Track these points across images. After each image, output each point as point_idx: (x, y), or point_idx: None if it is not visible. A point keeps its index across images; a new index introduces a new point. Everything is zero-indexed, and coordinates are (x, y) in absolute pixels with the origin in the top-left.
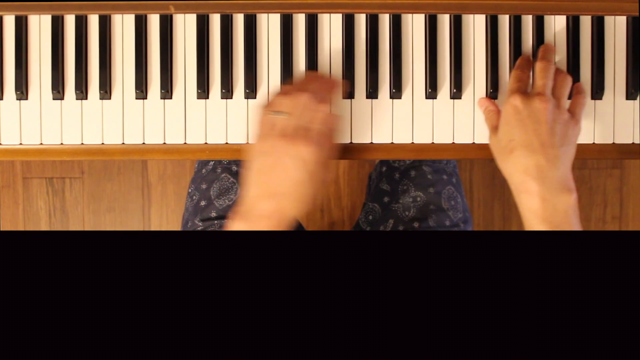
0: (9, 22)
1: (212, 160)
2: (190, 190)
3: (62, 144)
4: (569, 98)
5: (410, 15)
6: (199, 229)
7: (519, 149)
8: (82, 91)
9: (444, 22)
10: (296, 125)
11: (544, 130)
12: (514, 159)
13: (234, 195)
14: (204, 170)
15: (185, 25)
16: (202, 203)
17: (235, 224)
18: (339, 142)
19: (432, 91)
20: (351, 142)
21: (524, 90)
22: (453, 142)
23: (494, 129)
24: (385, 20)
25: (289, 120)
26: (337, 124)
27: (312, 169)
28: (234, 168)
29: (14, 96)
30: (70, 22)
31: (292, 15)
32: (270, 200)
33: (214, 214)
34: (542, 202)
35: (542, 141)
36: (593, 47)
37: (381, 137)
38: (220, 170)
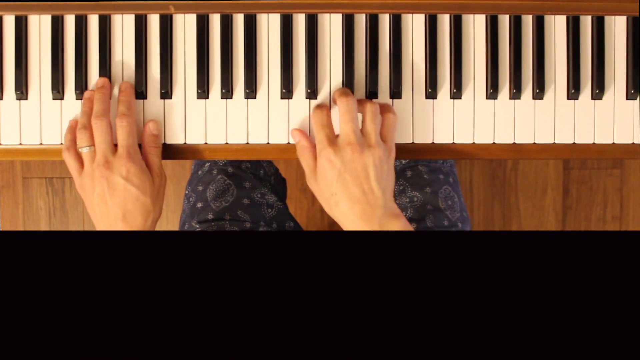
0: (9, 22)
1: (208, 162)
2: (187, 192)
3: (61, 144)
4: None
5: (410, 15)
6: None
7: (343, 201)
8: (82, 91)
9: (444, 22)
10: (102, 151)
11: (362, 179)
12: (339, 210)
13: (230, 197)
14: (200, 172)
15: (185, 25)
16: (199, 205)
17: None
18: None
19: (432, 91)
20: None
21: (333, 138)
22: (453, 142)
23: (312, 171)
24: (385, 20)
25: (94, 151)
26: (137, 128)
27: (138, 178)
28: (230, 169)
29: (14, 96)
30: (70, 22)
31: (292, 15)
32: (121, 223)
33: (210, 216)
34: None
35: (363, 190)
36: (593, 47)
37: None
38: (216, 172)
